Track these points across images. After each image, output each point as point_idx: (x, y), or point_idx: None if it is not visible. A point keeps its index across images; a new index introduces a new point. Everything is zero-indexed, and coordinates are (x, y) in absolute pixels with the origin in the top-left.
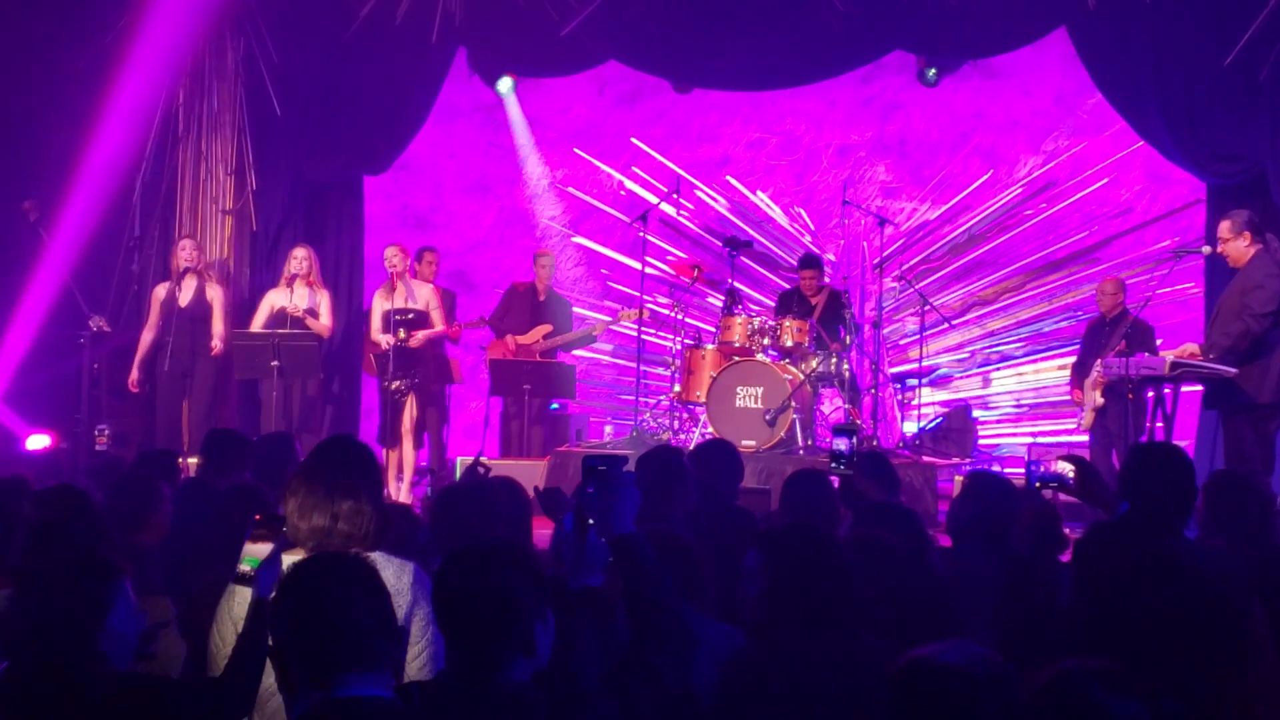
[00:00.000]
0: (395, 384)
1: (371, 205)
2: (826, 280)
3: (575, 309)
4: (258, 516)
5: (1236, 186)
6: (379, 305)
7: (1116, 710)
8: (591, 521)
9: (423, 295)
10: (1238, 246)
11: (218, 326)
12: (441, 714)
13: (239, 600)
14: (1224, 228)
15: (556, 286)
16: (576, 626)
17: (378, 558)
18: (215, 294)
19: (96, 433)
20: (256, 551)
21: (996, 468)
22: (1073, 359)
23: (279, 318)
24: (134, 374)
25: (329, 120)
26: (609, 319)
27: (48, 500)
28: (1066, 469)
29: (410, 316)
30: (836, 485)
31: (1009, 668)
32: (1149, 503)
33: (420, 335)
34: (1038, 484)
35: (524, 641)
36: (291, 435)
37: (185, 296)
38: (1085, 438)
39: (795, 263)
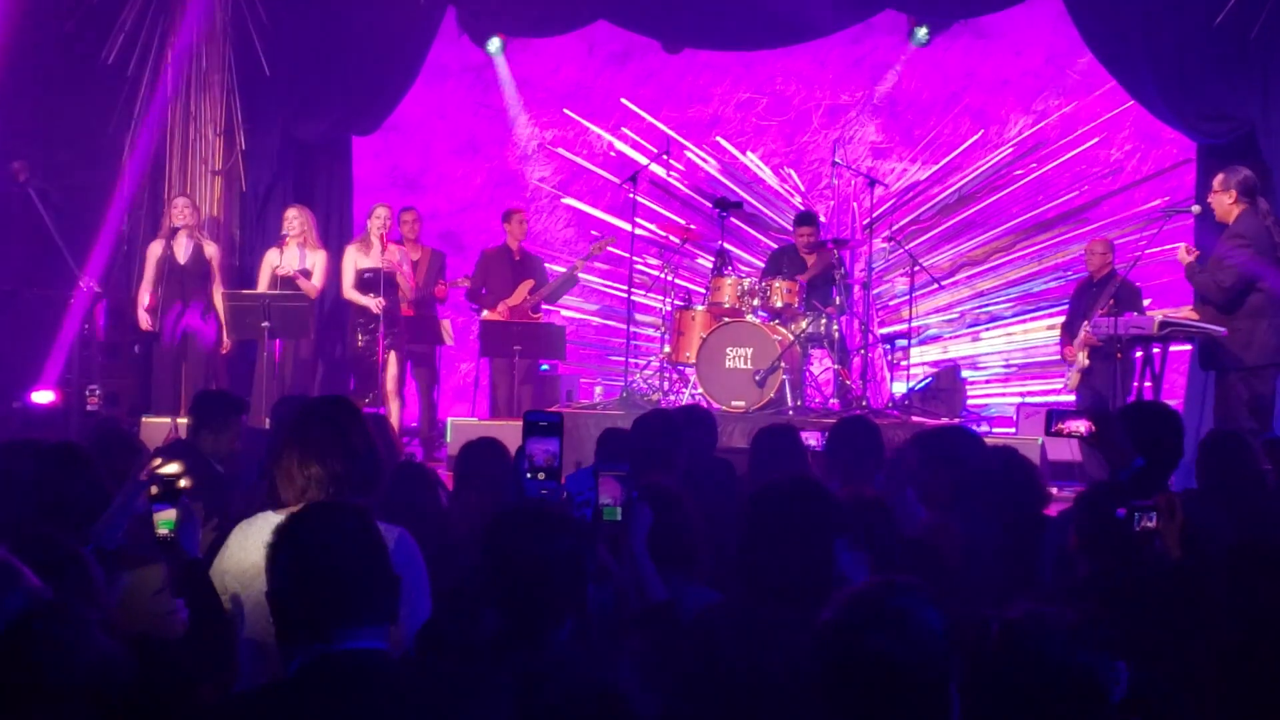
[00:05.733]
0: (363, 341)
1: (360, 166)
2: (821, 237)
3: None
4: (144, 477)
5: (1226, 146)
6: (354, 261)
7: (1083, 661)
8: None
9: (397, 257)
10: (1223, 202)
11: (218, 283)
12: (492, 676)
13: (250, 535)
14: (1218, 180)
15: (546, 248)
16: None
17: None
18: (213, 251)
19: (87, 393)
20: (167, 513)
21: (985, 427)
22: (1062, 319)
23: (277, 279)
24: (144, 317)
25: (318, 81)
26: (582, 258)
27: (48, 458)
28: (1079, 427)
29: (371, 276)
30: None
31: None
32: (1153, 459)
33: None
34: (1054, 429)
35: (580, 603)
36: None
37: (182, 254)
38: (1072, 398)
39: (784, 224)
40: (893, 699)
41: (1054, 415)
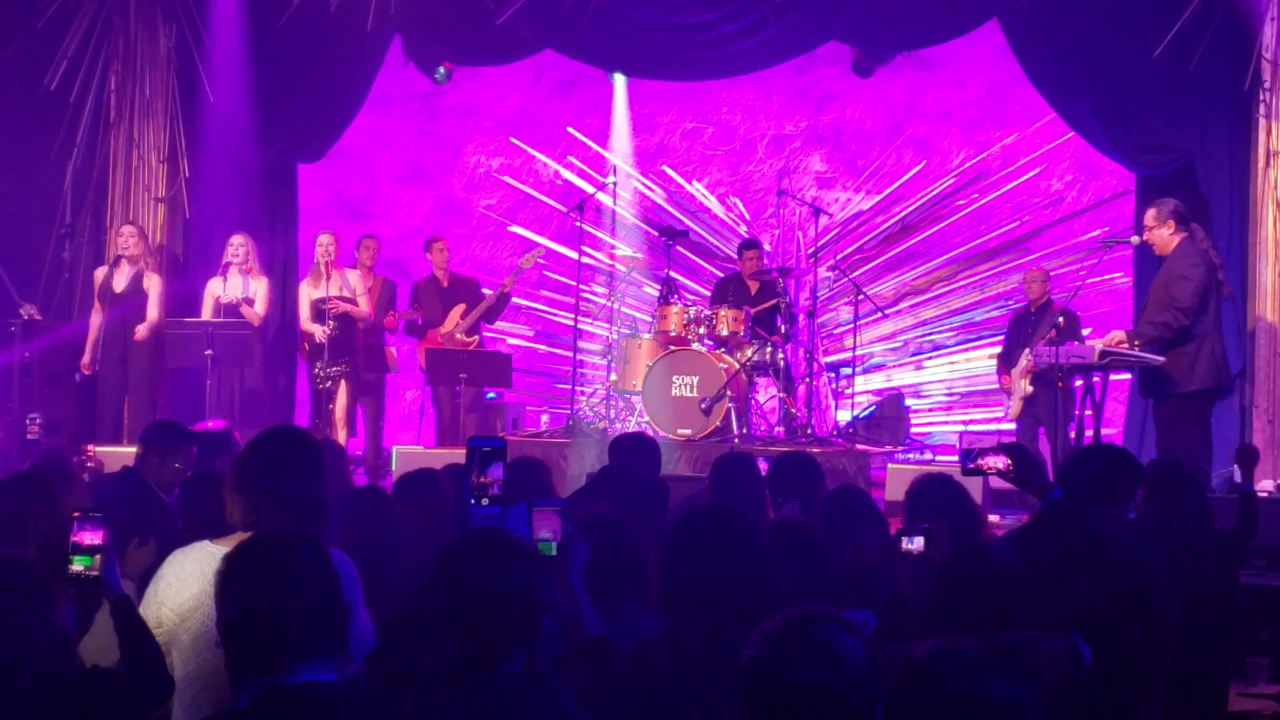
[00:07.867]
0: (322, 373)
1: (306, 193)
2: (765, 263)
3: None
4: (75, 514)
5: (1165, 177)
6: (307, 294)
7: (998, 693)
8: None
9: (352, 282)
10: (1162, 235)
11: (151, 313)
12: (442, 707)
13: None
14: (1149, 215)
15: (493, 276)
16: None
17: None
18: (152, 282)
19: (28, 421)
20: (87, 549)
21: (928, 455)
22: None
23: (220, 307)
24: (86, 356)
25: (263, 108)
26: (511, 274)
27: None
28: (997, 463)
29: (330, 303)
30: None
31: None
32: (1082, 491)
33: (347, 307)
34: (971, 467)
35: (535, 635)
36: (230, 430)
37: (120, 283)
38: (1013, 425)
39: (730, 252)
40: None
41: (968, 454)
